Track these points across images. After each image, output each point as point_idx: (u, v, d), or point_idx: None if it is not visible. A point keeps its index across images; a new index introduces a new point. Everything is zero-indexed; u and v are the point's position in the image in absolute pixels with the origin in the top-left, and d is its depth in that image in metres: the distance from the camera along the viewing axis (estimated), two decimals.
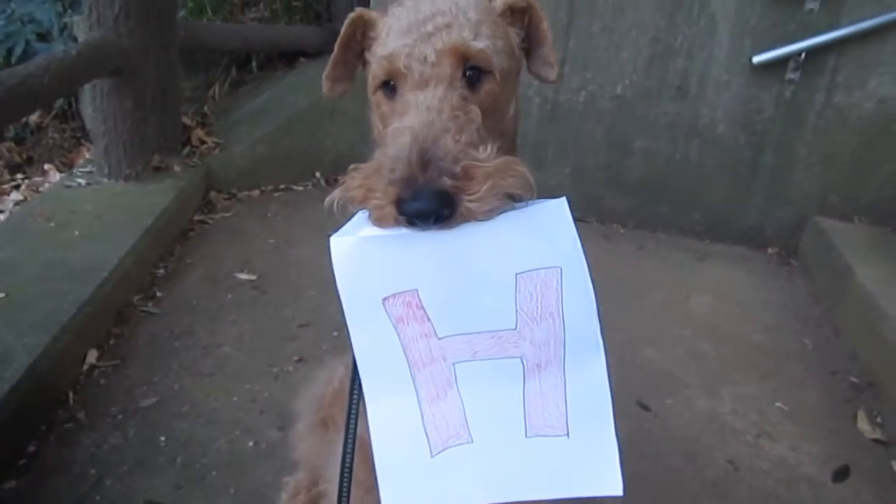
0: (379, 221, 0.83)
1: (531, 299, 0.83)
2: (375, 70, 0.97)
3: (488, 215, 0.81)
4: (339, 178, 3.74)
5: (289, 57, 3.98)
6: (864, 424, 2.17)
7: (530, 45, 1.06)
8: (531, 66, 1.09)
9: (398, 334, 0.86)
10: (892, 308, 2.44)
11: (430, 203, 0.78)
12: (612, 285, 2.85)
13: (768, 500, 1.86)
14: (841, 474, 1.96)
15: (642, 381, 2.25)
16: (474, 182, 0.80)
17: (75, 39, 4.04)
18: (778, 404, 2.25)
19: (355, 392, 1.06)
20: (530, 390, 0.87)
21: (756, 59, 3.20)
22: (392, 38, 0.95)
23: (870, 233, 3.20)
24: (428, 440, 0.89)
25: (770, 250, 3.47)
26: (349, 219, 0.89)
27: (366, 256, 0.85)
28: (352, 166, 0.88)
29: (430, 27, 0.92)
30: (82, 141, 4.16)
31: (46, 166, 3.71)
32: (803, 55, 3.16)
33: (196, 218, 3.11)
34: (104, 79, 2.86)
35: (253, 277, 2.68)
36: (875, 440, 2.11)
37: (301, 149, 3.65)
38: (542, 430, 0.87)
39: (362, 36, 1.07)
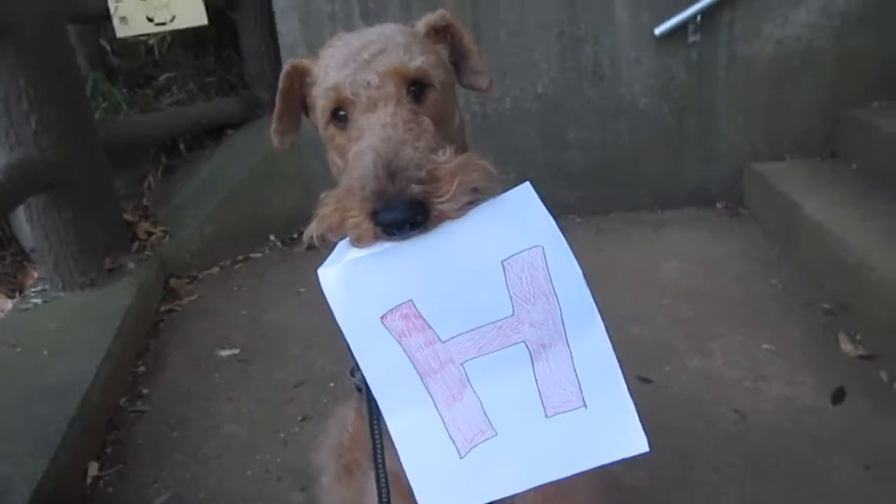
0: (359, 241, 0.86)
1: (522, 282, 0.87)
2: (323, 104, 1.01)
3: (460, 213, 0.85)
4: (294, 236, 3.77)
5: (215, 132, 3.99)
6: (846, 345, 2.27)
7: (457, 59, 1.13)
8: (462, 79, 1.15)
9: (403, 348, 0.89)
10: (842, 231, 2.56)
11: (403, 212, 0.81)
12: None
13: (779, 437, 1.93)
14: (838, 396, 2.05)
15: (636, 356, 2.31)
16: (441, 183, 0.84)
17: None
18: (765, 346, 2.34)
19: (375, 423, 1.08)
20: (540, 371, 0.90)
21: (658, 31, 3.36)
22: (332, 72, 1.00)
23: (803, 167, 3.36)
24: (454, 443, 0.91)
25: (718, 205, 3.61)
26: (331, 251, 0.92)
27: (355, 280, 0.87)
28: (322, 194, 0.91)
29: (365, 55, 0.97)
30: (24, 263, 4.07)
31: None
32: (699, 17, 3.32)
33: (162, 308, 3.08)
34: (37, 196, 2.83)
35: (236, 351, 2.66)
36: (860, 356, 2.21)
37: (249, 217, 3.65)
38: (560, 406, 0.90)
39: (300, 85, 1.11)
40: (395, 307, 0.87)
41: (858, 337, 2.29)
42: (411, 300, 0.87)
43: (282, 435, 2.15)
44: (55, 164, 2.81)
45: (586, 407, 0.91)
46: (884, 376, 2.10)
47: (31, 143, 2.75)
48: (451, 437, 0.92)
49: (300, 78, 1.11)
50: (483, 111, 3.58)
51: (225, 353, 2.67)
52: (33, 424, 2.05)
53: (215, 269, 3.47)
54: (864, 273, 2.32)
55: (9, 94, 2.67)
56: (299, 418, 2.21)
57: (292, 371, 2.48)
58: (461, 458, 0.92)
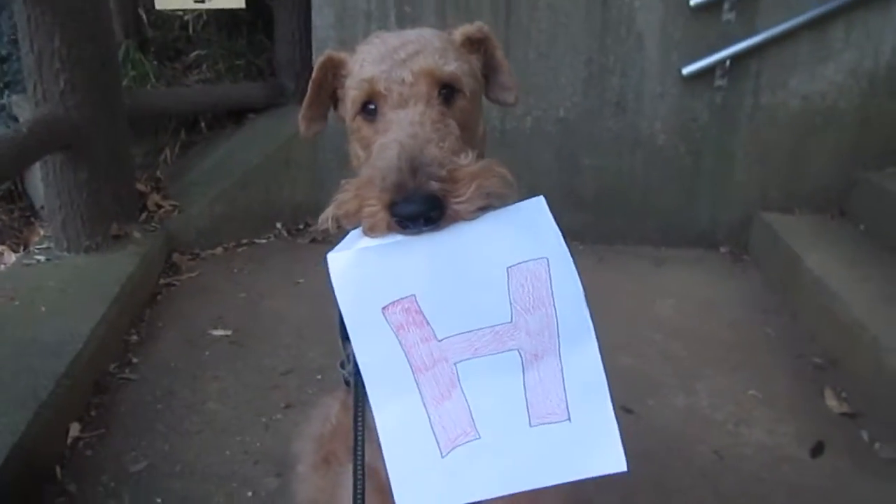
0: (372, 230, 0.88)
1: (524, 291, 0.89)
2: (355, 95, 1.04)
3: (475, 215, 0.87)
4: (300, 227, 3.80)
5: (236, 114, 4.03)
6: (831, 401, 2.28)
7: (488, 72, 1.15)
8: (489, 92, 1.18)
9: (399, 341, 0.90)
10: (841, 289, 2.59)
11: (420, 205, 0.83)
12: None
13: (755, 483, 1.94)
14: (817, 450, 2.06)
15: (622, 387, 2.32)
16: (460, 184, 0.86)
17: (15, 119, 4.01)
18: (751, 392, 2.35)
19: (360, 415, 1.10)
20: (530, 380, 0.92)
21: (685, 71, 3.39)
22: (368, 66, 1.02)
23: (811, 222, 3.38)
24: (437, 441, 0.93)
25: (723, 249, 3.63)
26: (343, 238, 0.94)
27: (363, 268, 0.89)
28: (343, 181, 0.93)
29: (402, 54, 1.00)
30: (32, 220, 4.11)
31: (0, 248, 3.64)
32: (728, 62, 3.36)
33: (162, 281, 3.10)
34: (55, 153, 2.86)
35: (228, 333, 2.68)
36: (843, 414, 2.22)
37: (259, 202, 3.68)
38: (544, 417, 0.92)
39: (333, 76, 1.14)
40: (398, 300, 0.89)
41: (844, 394, 2.30)
42: (414, 295, 0.89)
43: (264, 420, 2.17)
44: (77, 124, 2.84)
45: (570, 421, 0.92)
46: (865, 436, 2.11)
47: (58, 101, 2.78)
48: (434, 434, 0.93)
49: (334, 69, 1.14)
50: (503, 127, 3.61)
51: (218, 332, 2.69)
52: (21, 377, 2.07)
53: (219, 250, 3.50)
54: (856, 332, 2.34)
55: (42, 52, 2.70)
56: (283, 405, 2.23)
57: (282, 358, 2.50)
58: (442, 457, 0.93)
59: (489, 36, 1.13)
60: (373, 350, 0.92)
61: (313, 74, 1.15)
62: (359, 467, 1.10)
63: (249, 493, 1.86)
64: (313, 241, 3.61)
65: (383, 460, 1.00)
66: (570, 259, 0.90)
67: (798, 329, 2.76)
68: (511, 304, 0.90)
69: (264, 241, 3.64)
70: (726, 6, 3.31)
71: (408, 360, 0.92)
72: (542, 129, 3.62)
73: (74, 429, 2.08)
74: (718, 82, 3.43)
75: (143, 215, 3.38)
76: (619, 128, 3.58)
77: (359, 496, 1.11)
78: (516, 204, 0.90)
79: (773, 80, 3.42)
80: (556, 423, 0.92)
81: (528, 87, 3.54)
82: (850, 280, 2.64)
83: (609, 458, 0.92)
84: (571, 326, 0.91)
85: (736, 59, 3.36)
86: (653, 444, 2.07)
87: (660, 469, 1.96)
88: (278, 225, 3.74)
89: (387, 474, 0.99)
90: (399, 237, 0.88)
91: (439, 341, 0.91)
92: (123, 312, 2.68)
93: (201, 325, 2.74)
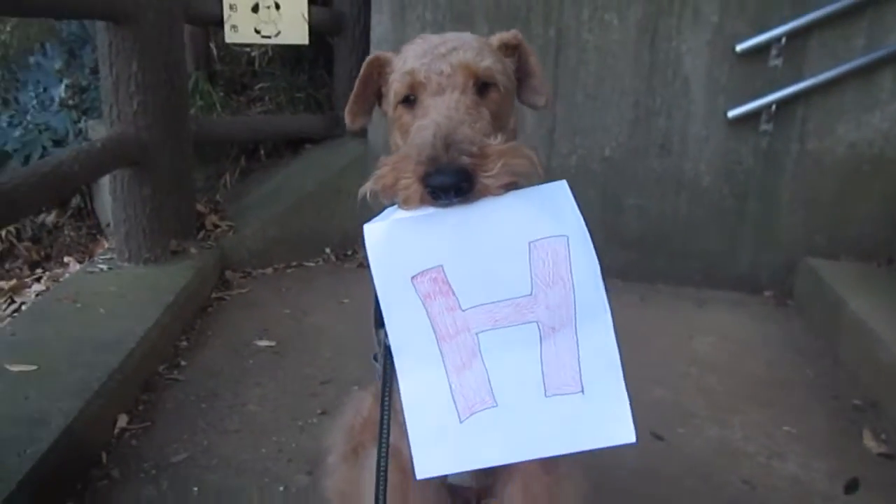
0: (406, 203, 0.96)
1: (544, 265, 0.95)
2: (398, 87, 1.14)
3: (501, 190, 0.95)
4: (348, 252, 3.93)
5: (294, 144, 4.23)
6: (869, 441, 2.23)
7: (521, 76, 1.25)
8: (521, 95, 1.27)
9: (426, 310, 0.97)
10: (885, 332, 2.55)
11: (452, 177, 0.91)
12: (616, 332, 2.96)
13: None
14: (852, 487, 2.01)
15: (654, 415, 2.33)
16: (489, 160, 0.94)
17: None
18: (786, 428, 2.32)
19: (387, 394, 1.16)
20: (547, 352, 0.97)
21: (731, 114, 3.44)
22: (410, 60, 1.13)
23: (857, 269, 3.33)
24: (456, 408, 0.98)
25: (766, 293, 3.59)
26: (380, 213, 1.02)
27: (396, 239, 0.97)
28: (381, 158, 1.02)
29: (442, 50, 1.11)
30: (98, 236, 4.35)
31: (66, 259, 3.87)
32: (774, 107, 3.39)
33: (214, 295, 3.25)
34: (124, 169, 3.07)
35: (272, 343, 2.79)
36: (881, 454, 2.17)
37: (310, 228, 3.83)
38: (559, 388, 0.97)
39: (378, 74, 1.25)
40: (427, 270, 0.96)
41: (884, 436, 2.25)
42: (441, 266, 0.96)
43: (300, 423, 2.25)
44: (146, 144, 3.05)
45: (584, 393, 0.97)
46: None
47: (130, 121, 3.00)
48: (454, 401, 0.99)
49: (380, 67, 1.25)
50: (548, 164, 3.69)
51: (262, 343, 2.80)
52: (77, 369, 2.20)
53: (269, 270, 3.64)
54: None
55: (120, 75, 2.94)
56: (319, 412, 2.31)
57: (321, 369, 2.59)
58: (460, 422, 0.99)
59: (523, 42, 1.23)
60: (401, 317, 0.98)
61: (361, 72, 1.26)
62: (383, 446, 1.16)
63: (281, 488, 1.93)
64: (360, 266, 3.72)
65: (407, 441, 1.06)
66: (589, 239, 0.96)
67: (839, 372, 2.72)
68: (531, 277, 0.96)
69: (312, 264, 3.77)
70: (773, 52, 3.36)
71: (433, 329, 0.98)
72: (588, 167, 3.69)
73: (122, 420, 2.19)
74: (764, 127, 3.46)
75: (201, 233, 3.56)
76: (663, 169, 3.62)
77: (382, 473, 1.17)
78: (541, 185, 0.98)
79: (819, 127, 3.43)
80: (570, 394, 0.98)
81: (574, 126, 3.64)
82: (893, 324, 2.59)
83: (619, 429, 0.97)
84: (588, 303, 0.97)
85: (782, 104, 3.39)
86: (682, 470, 2.06)
87: (688, 495, 1.95)
88: (327, 250, 3.87)
89: (410, 455, 1.06)
90: (431, 210, 0.96)
91: (463, 311, 0.97)
92: (176, 319, 2.82)
93: (247, 335, 2.86)
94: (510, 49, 1.23)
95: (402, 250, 0.97)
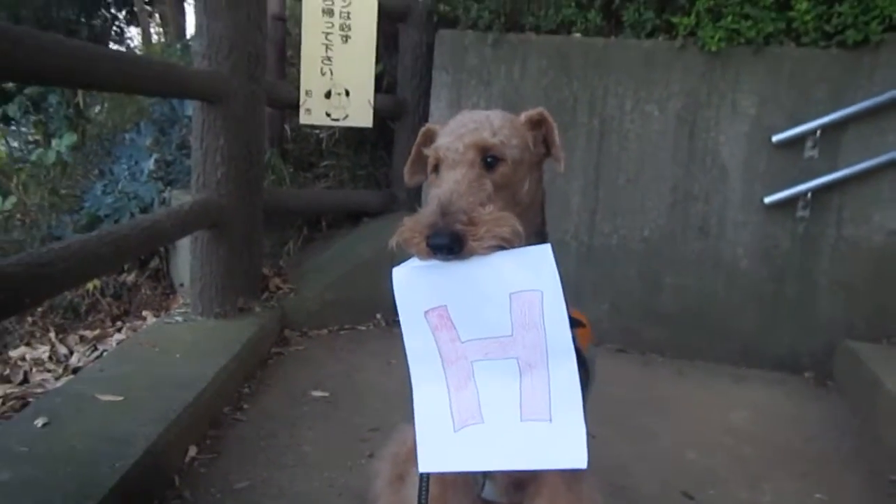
0: (418, 255, 1.21)
1: (521, 313, 1.17)
2: (430, 159, 1.41)
3: (486, 251, 1.17)
4: (397, 319, 4.15)
5: (354, 217, 4.57)
6: None
7: (548, 145, 1.49)
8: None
9: (435, 338, 1.21)
10: None
11: (446, 239, 1.15)
12: (653, 402, 3.09)
13: None
14: None
15: (685, 476, 2.42)
16: (478, 227, 1.18)
17: None
18: (818, 496, 2.38)
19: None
20: (525, 384, 1.19)
21: (767, 200, 3.62)
22: (440, 138, 1.40)
23: None
24: (453, 419, 1.21)
25: (806, 374, 3.65)
26: (405, 259, 1.26)
27: (414, 280, 1.21)
28: (405, 218, 1.25)
29: (463, 130, 1.36)
30: (170, 295, 4.71)
31: (144, 312, 4.21)
32: (810, 195, 3.56)
33: (274, 350, 3.51)
34: (205, 231, 3.41)
35: (326, 394, 3.00)
36: None
37: (364, 293, 4.09)
38: (532, 415, 1.18)
39: (429, 141, 1.52)
40: (435, 307, 1.20)
41: None
42: (446, 305, 1.20)
43: (349, 463, 2.43)
44: (225, 209, 3.41)
45: (551, 421, 1.17)
46: None
47: (214, 188, 3.37)
48: (452, 414, 1.22)
49: (430, 137, 1.52)
50: (590, 243, 3.92)
51: (317, 393, 3.02)
52: (158, 402, 2.45)
53: (324, 331, 3.90)
54: None
55: (209, 148, 3.33)
56: (367, 454, 2.48)
57: (370, 418, 2.78)
58: (454, 432, 1.22)
59: (546, 118, 1.48)
60: (417, 342, 1.23)
61: (417, 139, 1.54)
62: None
63: None
64: None
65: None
66: (562, 295, 1.16)
67: (877, 449, 2.76)
68: (512, 321, 1.18)
69: (364, 328, 4.02)
70: (808, 144, 3.56)
71: (440, 354, 1.22)
72: (627, 247, 3.89)
73: (192, 450, 2.42)
74: (801, 213, 3.62)
75: (265, 294, 3.86)
76: (700, 249, 3.79)
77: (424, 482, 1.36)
78: (528, 247, 1.19)
79: (855, 215, 3.58)
80: (540, 421, 1.18)
81: (615, 208, 3.87)
82: None
83: (575, 455, 1.16)
84: (557, 346, 1.17)
85: (818, 192, 3.56)
86: None
87: None
88: (378, 315, 4.12)
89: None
90: (436, 261, 1.19)
91: (462, 343, 1.21)
92: (240, 367, 3.07)
93: (303, 386, 3.08)
94: (536, 123, 1.48)
95: (418, 289, 1.21)
